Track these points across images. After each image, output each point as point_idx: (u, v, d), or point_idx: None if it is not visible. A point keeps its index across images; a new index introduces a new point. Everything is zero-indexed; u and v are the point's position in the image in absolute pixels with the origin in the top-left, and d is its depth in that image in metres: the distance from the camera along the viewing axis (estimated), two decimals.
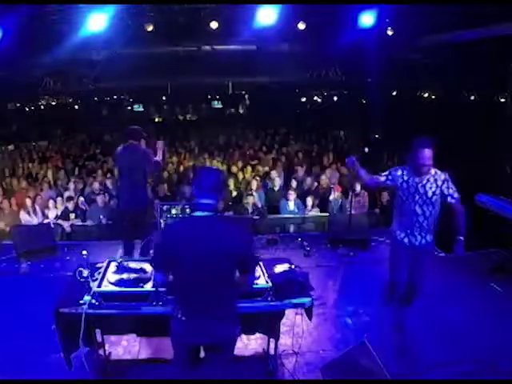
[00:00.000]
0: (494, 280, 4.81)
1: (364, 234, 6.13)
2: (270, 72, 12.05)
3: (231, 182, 7.91)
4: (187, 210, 3.46)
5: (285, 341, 3.66)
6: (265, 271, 3.12)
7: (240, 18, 7.83)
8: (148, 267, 3.13)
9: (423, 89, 15.56)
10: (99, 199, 6.98)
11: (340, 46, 8.28)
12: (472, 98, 12.73)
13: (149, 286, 2.93)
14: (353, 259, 5.68)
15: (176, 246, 2.33)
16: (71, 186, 7.87)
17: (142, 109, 23.39)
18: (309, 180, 8.16)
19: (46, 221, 6.72)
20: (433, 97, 15.90)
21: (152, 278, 2.90)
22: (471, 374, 3.27)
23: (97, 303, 2.86)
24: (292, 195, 7.12)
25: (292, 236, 6.55)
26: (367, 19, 7.52)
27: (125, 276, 3.05)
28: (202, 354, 2.59)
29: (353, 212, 6.14)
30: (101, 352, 3.42)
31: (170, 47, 9.98)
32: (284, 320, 3.48)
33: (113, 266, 3.17)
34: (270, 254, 5.38)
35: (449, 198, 3.50)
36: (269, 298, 2.97)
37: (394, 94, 15.66)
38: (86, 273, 3.11)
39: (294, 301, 3.04)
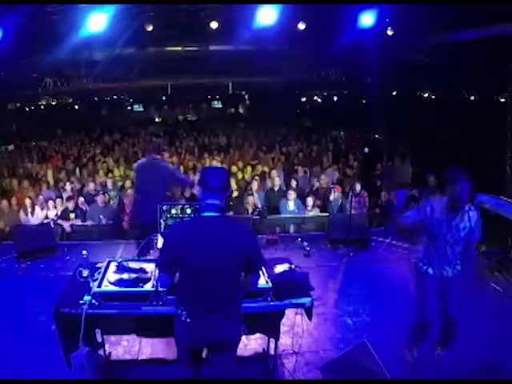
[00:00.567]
0: (494, 280, 4.81)
1: (364, 234, 6.14)
2: (270, 72, 12.05)
3: (233, 182, 7.92)
4: (187, 210, 3.45)
5: (285, 341, 3.66)
6: (265, 271, 3.12)
7: (240, 18, 7.82)
8: (148, 267, 3.12)
9: (423, 89, 15.55)
10: (99, 199, 6.97)
11: (340, 46, 8.27)
12: (472, 98, 12.72)
13: (149, 286, 2.93)
14: (353, 259, 5.68)
15: (184, 247, 2.33)
16: (71, 186, 7.87)
17: (141, 109, 23.42)
18: (309, 180, 8.16)
19: (45, 221, 6.72)
20: (433, 97, 15.89)
21: (155, 279, 2.88)
22: (471, 374, 3.27)
23: (97, 303, 2.86)
24: (292, 195, 7.12)
25: (292, 236, 6.55)
26: (367, 19, 7.51)
27: (125, 276, 3.04)
28: (205, 355, 2.59)
29: (353, 212, 6.14)
30: (101, 352, 3.43)
31: (170, 47, 9.99)
32: (284, 320, 3.48)
33: (113, 266, 3.17)
34: (269, 254, 5.38)
35: (477, 237, 3.28)
36: (269, 298, 2.96)
37: (394, 94, 15.66)
38: (86, 273, 3.11)
39: (294, 301, 3.04)
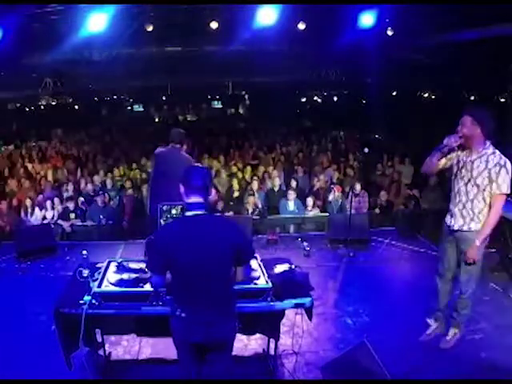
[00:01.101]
0: (494, 280, 4.81)
1: (364, 234, 6.13)
2: (270, 72, 12.06)
3: (234, 182, 7.92)
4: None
5: (285, 341, 3.65)
6: (265, 271, 3.12)
7: (240, 18, 7.84)
8: None
9: (423, 89, 15.57)
10: (99, 199, 6.98)
11: (340, 46, 8.29)
12: (472, 98, 12.73)
13: (149, 286, 2.93)
14: (353, 259, 5.67)
15: (172, 246, 2.34)
16: (71, 186, 7.87)
17: (141, 109, 23.43)
18: (309, 180, 8.16)
19: (45, 221, 6.72)
20: (433, 97, 15.92)
21: (150, 281, 2.88)
22: (471, 374, 3.27)
23: (97, 303, 2.85)
24: (292, 195, 7.12)
25: (292, 236, 6.55)
26: (367, 19, 7.53)
27: (125, 276, 3.04)
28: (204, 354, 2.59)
29: (353, 212, 6.14)
30: (101, 352, 3.42)
31: (170, 47, 10.00)
32: (284, 320, 3.48)
33: (113, 266, 3.17)
34: (269, 254, 5.38)
35: (494, 186, 3.09)
36: (269, 298, 2.96)
37: (394, 94, 15.68)
38: (86, 273, 3.11)
39: (294, 301, 3.04)
